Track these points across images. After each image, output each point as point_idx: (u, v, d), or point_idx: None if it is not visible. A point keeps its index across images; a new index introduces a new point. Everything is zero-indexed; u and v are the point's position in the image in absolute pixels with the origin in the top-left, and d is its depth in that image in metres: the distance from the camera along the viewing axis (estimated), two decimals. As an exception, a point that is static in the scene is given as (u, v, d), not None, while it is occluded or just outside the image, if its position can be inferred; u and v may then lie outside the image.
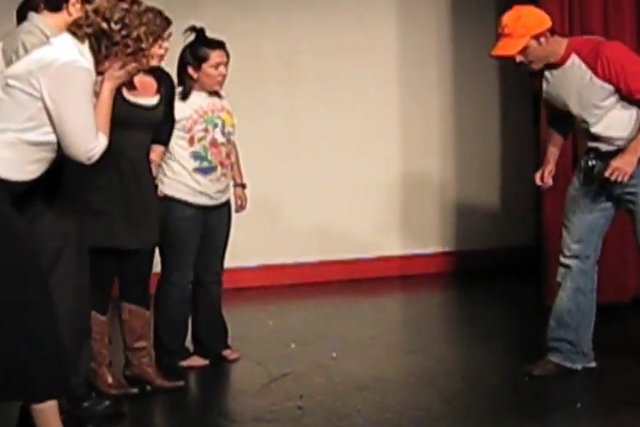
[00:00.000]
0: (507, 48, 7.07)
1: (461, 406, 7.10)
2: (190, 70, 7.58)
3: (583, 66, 7.08)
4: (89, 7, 5.99)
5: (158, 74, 7.20)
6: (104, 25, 5.75)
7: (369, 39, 11.08)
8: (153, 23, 5.91)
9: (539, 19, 7.13)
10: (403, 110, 11.36)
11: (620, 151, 7.11)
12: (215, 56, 7.58)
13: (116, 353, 7.40)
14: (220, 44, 7.65)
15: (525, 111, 11.06)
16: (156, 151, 7.35)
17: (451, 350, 8.69)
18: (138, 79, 6.91)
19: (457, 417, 6.84)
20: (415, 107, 11.34)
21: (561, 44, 7.15)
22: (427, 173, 11.44)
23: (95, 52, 5.77)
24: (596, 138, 7.23)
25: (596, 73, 7.03)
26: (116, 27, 5.76)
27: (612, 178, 6.99)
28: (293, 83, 10.79)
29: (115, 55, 5.78)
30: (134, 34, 5.79)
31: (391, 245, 11.31)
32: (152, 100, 7.06)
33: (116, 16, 5.78)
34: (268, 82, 10.58)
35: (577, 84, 7.13)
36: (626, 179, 6.99)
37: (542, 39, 7.02)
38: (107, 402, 6.81)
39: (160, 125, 7.25)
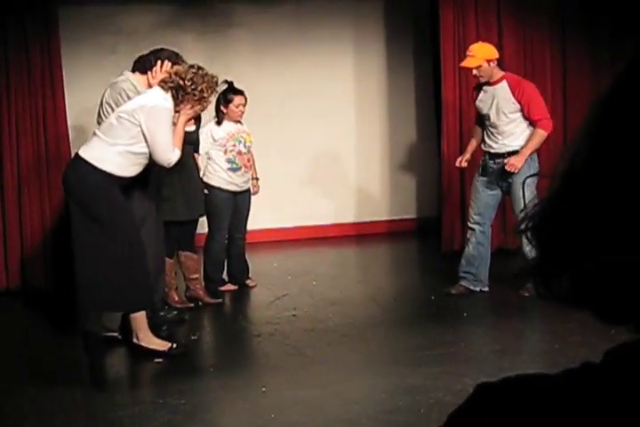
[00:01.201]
0: (469, 63, 7.33)
1: (395, 315, 7.33)
2: (222, 107, 7.68)
3: (507, 89, 7.30)
4: (171, 70, 6.25)
5: None
6: (181, 82, 6.06)
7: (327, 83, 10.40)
8: (211, 81, 6.17)
9: (492, 51, 7.38)
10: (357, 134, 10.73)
11: (505, 154, 7.28)
12: (237, 99, 7.66)
13: (180, 282, 7.61)
14: (240, 92, 7.69)
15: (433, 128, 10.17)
16: (195, 157, 7.50)
17: (389, 280, 8.81)
18: None
19: (392, 322, 7.11)
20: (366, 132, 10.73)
21: (500, 71, 7.41)
22: (371, 179, 10.85)
23: (174, 98, 6.07)
24: (494, 140, 7.36)
25: (513, 94, 7.26)
26: (188, 83, 6.06)
27: (508, 169, 7.18)
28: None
29: (187, 101, 6.09)
30: (199, 88, 6.09)
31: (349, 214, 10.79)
32: (191, 128, 7.15)
33: (188, 76, 6.07)
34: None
35: (498, 98, 7.31)
36: (515, 171, 7.17)
37: (491, 64, 7.30)
38: (174, 312, 7.11)
39: (196, 142, 7.43)
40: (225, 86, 7.59)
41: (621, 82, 0.73)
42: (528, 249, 7.16)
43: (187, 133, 6.94)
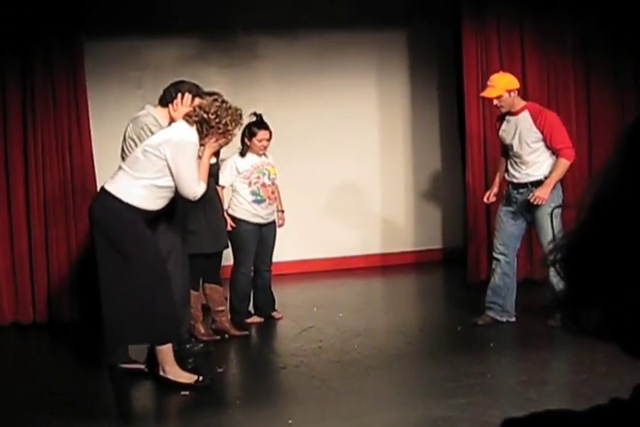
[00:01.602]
0: (490, 93, 7.33)
1: (421, 346, 7.30)
2: (246, 140, 7.70)
3: (529, 118, 7.28)
4: (196, 104, 6.30)
5: None
6: (205, 115, 6.07)
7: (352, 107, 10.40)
8: (235, 114, 6.18)
9: (512, 81, 7.37)
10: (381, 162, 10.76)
11: (529, 184, 7.26)
12: (261, 134, 7.67)
13: (206, 315, 7.61)
14: (265, 126, 7.71)
15: (458, 158, 10.44)
16: (217, 189, 7.53)
17: (415, 311, 8.78)
18: None
19: (418, 353, 7.07)
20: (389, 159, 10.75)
21: (521, 102, 7.41)
22: (397, 209, 10.86)
23: (199, 131, 6.08)
24: (518, 170, 7.35)
25: (535, 123, 7.24)
26: (212, 116, 6.07)
27: (534, 202, 7.16)
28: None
29: (211, 134, 6.09)
30: (224, 121, 6.10)
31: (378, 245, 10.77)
32: (214, 160, 7.12)
33: (212, 110, 6.09)
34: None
35: (521, 128, 7.30)
36: (542, 203, 7.15)
37: (512, 94, 7.29)
38: (201, 344, 7.06)
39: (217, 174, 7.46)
40: (253, 119, 7.63)
41: None
42: (556, 280, 7.13)
43: (211, 166, 7.01)
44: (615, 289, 0.71)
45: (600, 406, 0.75)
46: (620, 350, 0.73)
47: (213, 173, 7.22)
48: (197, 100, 6.40)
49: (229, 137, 6.24)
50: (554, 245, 0.78)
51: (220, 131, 6.11)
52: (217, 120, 6.08)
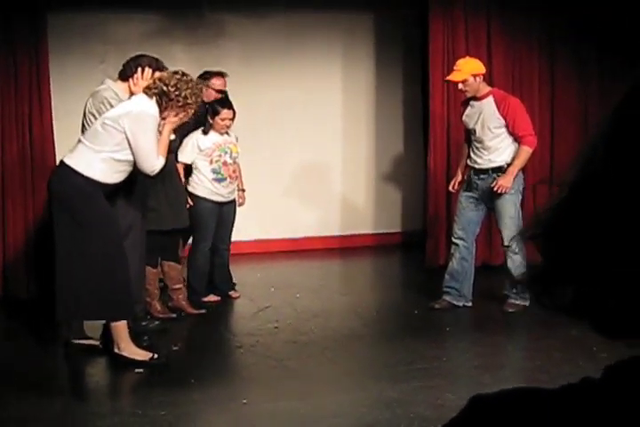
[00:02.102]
0: (455, 77, 7.35)
1: (377, 329, 7.33)
2: (209, 118, 7.65)
3: (493, 104, 7.31)
4: (156, 77, 6.23)
5: None
6: (165, 88, 6.02)
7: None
8: (195, 88, 6.12)
9: (478, 66, 7.39)
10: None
11: (490, 170, 7.31)
12: (224, 113, 7.64)
13: (163, 293, 7.56)
14: (229, 106, 7.69)
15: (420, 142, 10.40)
16: (179, 166, 7.51)
17: (372, 294, 8.77)
18: None
19: (374, 336, 7.12)
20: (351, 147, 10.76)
21: (486, 87, 7.44)
22: (357, 192, 10.89)
23: (159, 104, 6.03)
24: (480, 156, 7.37)
25: (499, 109, 7.26)
26: (172, 89, 6.01)
27: (497, 191, 7.20)
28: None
29: (171, 107, 6.04)
30: (183, 94, 6.03)
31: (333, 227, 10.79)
32: (173, 136, 6.91)
33: (172, 82, 6.03)
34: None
35: (484, 113, 7.33)
36: (505, 191, 7.19)
37: (477, 78, 7.31)
38: (156, 322, 7.09)
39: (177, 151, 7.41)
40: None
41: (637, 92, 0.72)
42: (512, 265, 7.23)
43: (171, 142, 6.95)
44: (592, 267, 0.71)
45: (571, 384, 0.75)
46: (591, 328, 0.73)
47: (173, 150, 7.19)
48: (157, 74, 6.35)
49: (189, 110, 6.16)
50: (532, 221, 0.78)
51: (180, 104, 6.05)
52: (177, 93, 6.02)
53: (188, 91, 6.07)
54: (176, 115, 6.11)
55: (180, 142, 7.54)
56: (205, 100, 7.12)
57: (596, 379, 0.74)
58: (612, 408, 0.69)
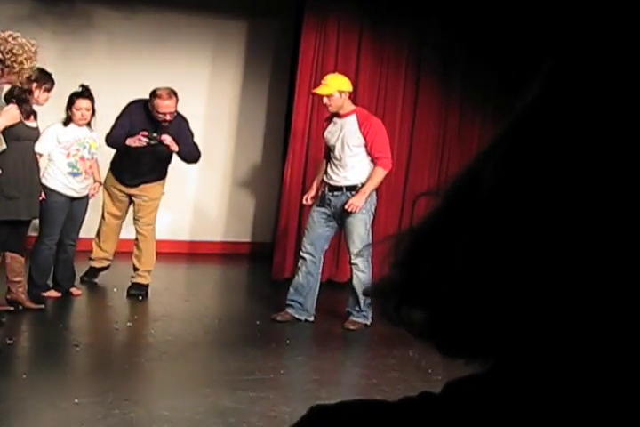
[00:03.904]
0: (322, 90, 7.42)
1: (218, 336, 7.26)
2: (66, 109, 7.61)
3: (356, 122, 7.40)
4: None
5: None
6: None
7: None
8: (30, 51, 5.95)
9: (346, 82, 7.47)
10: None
11: (344, 188, 7.38)
12: (78, 102, 7.57)
13: (1, 284, 7.40)
14: (87, 96, 7.60)
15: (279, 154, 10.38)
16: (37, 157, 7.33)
17: (217, 301, 8.77)
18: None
19: (213, 343, 7.07)
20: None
21: (351, 105, 7.53)
22: (211, 199, 11.01)
23: None
24: (336, 173, 7.45)
25: (360, 128, 7.36)
26: (7, 55, 5.85)
27: (349, 209, 7.29)
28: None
29: (7, 74, 5.88)
30: (19, 59, 5.88)
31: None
32: (33, 123, 7.01)
33: (7, 48, 5.87)
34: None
35: (345, 131, 7.41)
36: (356, 211, 7.29)
37: (343, 95, 7.40)
38: None
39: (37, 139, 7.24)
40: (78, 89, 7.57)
41: (543, 98, 0.69)
42: (357, 283, 7.33)
43: (29, 129, 6.94)
44: (443, 293, 0.70)
45: (410, 397, 0.76)
46: (434, 346, 0.74)
47: (35, 137, 7.10)
48: None
49: (24, 75, 6.01)
50: (396, 235, 0.75)
51: (16, 70, 5.90)
52: (12, 59, 5.88)
53: (24, 55, 5.93)
54: (8, 81, 5.97)
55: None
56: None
57: (435, 393, 0.75)
58: (449, 420, 0.71)
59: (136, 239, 8.38)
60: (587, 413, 0.66)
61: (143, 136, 7.76)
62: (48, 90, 7.27)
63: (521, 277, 0.66)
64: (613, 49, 0.66)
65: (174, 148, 7.91)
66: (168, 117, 7.89)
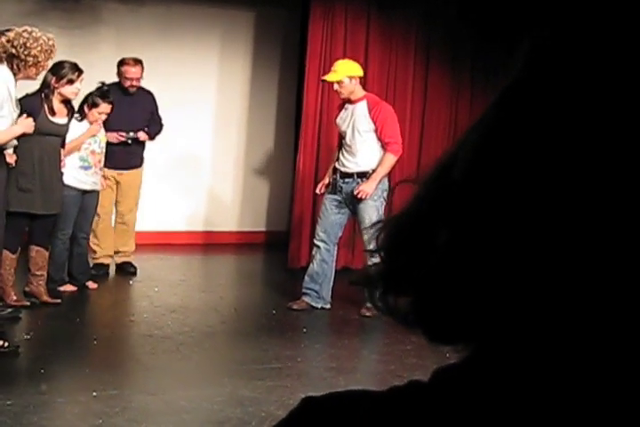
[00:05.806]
0: (331, 77, 7.43)
1: (234, 326, 7.28)
2: (86, 108, 7.63)
3: (366, 108, 7.40)
4: (3, 39, 6.02)
5: (70, 105, 7.23)
6: (13, 50, 5.88)
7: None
8: (46, 44, 6.00)
9: (355, 68, 7.47)
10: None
11: (355, 175, 7.40)
12: (103, 107, 7.64)
13: (19, 277, 7.37)
14: (110, 100, 7.66)
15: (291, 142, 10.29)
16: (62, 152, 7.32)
17: (233, 291, 8.72)
18: (56, 107, 6.94)
19: (230, 333, 7.09)
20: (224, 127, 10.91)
21: (361, 91, 7.52)
22: (225, 190, 10.97)
23: (11, 68, 5.90)
24: (347, 159, 7.45)
25: (370, 113, 7.36)
26: (21, 49, 5.88)
27: (358, 196, 7.30)
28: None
29: (24, 68, 5.91)
30: (33, 52, 5.91)
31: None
32: (62, 120, 7.05)
33: (21, 42, 5.90)
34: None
35: (356, 116, 7.41)
36: (366, 197, 7.29)
37: (354, 81, 7.39)
38: (9, 309, 6.94)
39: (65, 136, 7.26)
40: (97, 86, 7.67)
41: (523, 79, 0.70)
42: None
43: (53, 124, 6.97)
44: (424, 279, 0.70)
45: (397, 387, 0.76)
46: (422, 334, 0.74)
47: (62, 134, 7.12)
48: (4, 37, 6.12)
49: (40, 69, 6.04)
50: (381, 222, 0.76)
51: (30, 63, 5.91)
52: (26, 52, 5.88)
53: (38, 48, 5.94)
54: (25, 75, 5.96)
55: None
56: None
57: (424, 381, 0.75)
58: (437, 409, 0.71)
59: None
60: (565, 397, 0.66)
61: (121, 137, 8.33)
62: (71, 82, 7.07)
63: (497, 262, 0.65)
64: (594, 33, 0.66)
65: (148, 138, 8.70)
66: (135, 83, 8.51)
